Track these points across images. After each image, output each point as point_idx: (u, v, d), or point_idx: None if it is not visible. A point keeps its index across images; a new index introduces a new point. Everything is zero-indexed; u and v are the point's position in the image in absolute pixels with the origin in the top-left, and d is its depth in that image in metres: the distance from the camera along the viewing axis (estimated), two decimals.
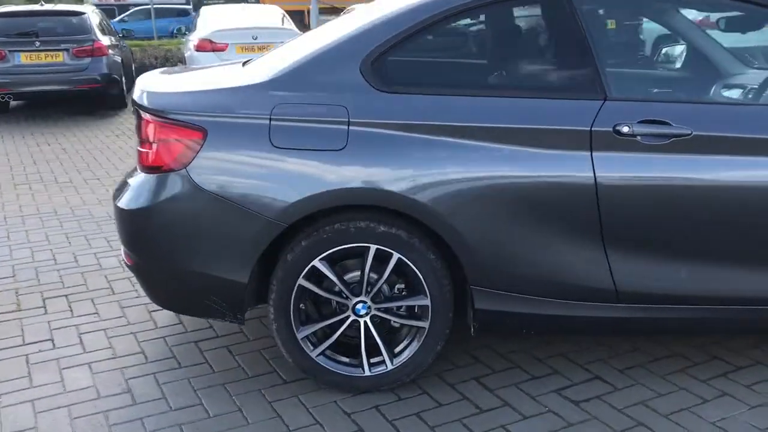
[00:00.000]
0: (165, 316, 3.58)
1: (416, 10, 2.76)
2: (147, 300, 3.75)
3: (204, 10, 12.57)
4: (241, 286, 2.76)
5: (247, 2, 20.40)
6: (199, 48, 10.68)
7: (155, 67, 15.12)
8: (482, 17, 3.00)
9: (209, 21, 11.54)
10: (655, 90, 3.21)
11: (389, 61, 2.76)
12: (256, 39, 10.76)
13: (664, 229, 2.67)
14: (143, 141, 2.82)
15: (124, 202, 2.86)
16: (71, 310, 3.67)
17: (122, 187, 3.03)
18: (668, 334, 3.19)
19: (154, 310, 3.64)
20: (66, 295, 3.87)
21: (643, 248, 2.69)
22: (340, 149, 2.65)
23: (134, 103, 2.87)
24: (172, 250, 2.79)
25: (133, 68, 12.95)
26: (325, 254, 2.72)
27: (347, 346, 2.86)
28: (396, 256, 2.72)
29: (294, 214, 2.67)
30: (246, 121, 2.70)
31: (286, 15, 12.21)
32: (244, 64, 3.51)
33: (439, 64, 3.05)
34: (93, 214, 5.39)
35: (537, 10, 2.82)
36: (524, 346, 3.18)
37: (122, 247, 3.04)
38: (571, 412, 2.72)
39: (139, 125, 2.86)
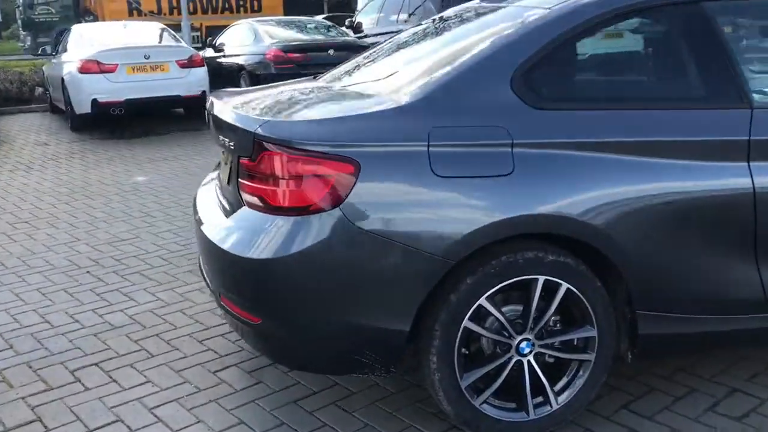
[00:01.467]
0: (235, 374, 3.13)
1: (568, 15, 2.57)
2: (203, 358, 3.27)
3: (76, 28, 11.53)
4: (402, 335, 2.44)
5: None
6: (84, 70, 9.75)
7: (10, 93, 13.94)
8: (634, 24, 2.85)
9: (88, 40, 10.59)
10: None
11: (541, 74, 2.55)
12: (148, 58, 10.01)
13: None
14: (267, 178, 2.42)
15: (251, 251, 2.42)
16: (116, 382, 3.11)
17: (220, 229, 2.60)
18: None
19: (218, 370, 3.17)
20: (95, 364, 3.28)
21: None
22: (508, 174, 2.41)
23: (256, 136, 2.44)
24: (321, 302, 2.41)
25: None
26: (491, 291, 2.46)
27: (499, 390, 2.61)
28: (565, 286, 2.51)
29: (463, 249, 2.39)
30: (402, 150, 2.39)
31: (168, 30, 11.48)
32: (315, 77, 3.22)
33: (591, 76, 2.87)
34: (52, 263, 4.67)
35: (682, 19, 2.72)
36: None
37: (231, 305, 2.60)
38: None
39: (255, 160, 2.45)
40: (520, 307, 2.55)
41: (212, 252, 2.67)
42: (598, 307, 2.56)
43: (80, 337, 3.56)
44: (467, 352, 2.54)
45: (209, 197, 3.18)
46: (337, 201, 2.33)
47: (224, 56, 11.98)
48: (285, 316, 2.46)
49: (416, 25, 3.64)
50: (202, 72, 10.40)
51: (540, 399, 2.61)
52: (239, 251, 2.46)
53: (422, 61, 2.84)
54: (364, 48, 10.94)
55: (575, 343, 2.62)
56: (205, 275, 2.98)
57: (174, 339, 3.51)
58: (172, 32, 11.44)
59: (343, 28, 12.56)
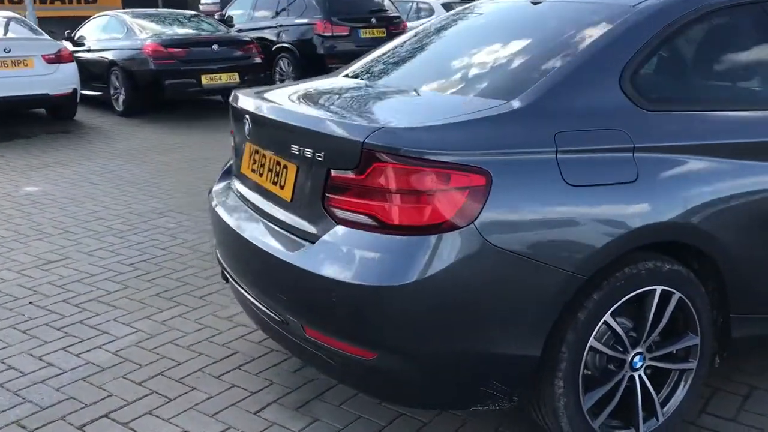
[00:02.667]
0: (281, 412, 2.75)
1: (662, 12, 2.46)
2: (233, 397, 2.86)
3: None
4: (533, 361, 2.23)
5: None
6: None
7: None
8: (729, 20, 2.75)
9: None
10: None
11: (646, 74, 2.43)
12: (8, 52, 8.91)
13: None
14: (381, 193, 2.12)
15: (367, 277, 2.11)
16: None
17: (304, 253, 2.26)
18: None
19: (258, 410, 2.78)
20: (105, 415, 2.76)
21: None
22: (633, 181, 2.27)
23: (366, 146, 2.12)
24: (450, 331, 2.14)
25: None
26: (615, 306, 2.31)
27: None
28: (677, 295, 2.42)
29: (597, 262, 2.23)
30: (531, 157, 2.18)
31: (23, 20, 10.31)
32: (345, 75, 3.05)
33: (692, 75, 2.75)
34: None
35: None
36: None
37: (329, 339, 2.27)
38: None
39: (364, 173, 2.14)
40: (627, 321, 2.42)
41: (290, 278, 2.32)
42: (703, 314, 2.49)
43: (67, 384, 3.01)
44: (588, 374, 2.37)
45: (236, 209, 2.80)
46: (470, 217, 2.07)
47: (88, 51, 10.94)
48: (408, 348, 2.16)
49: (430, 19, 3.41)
50: (71, 68, 9.44)
51: (644, 414, 2.50)
52: (350, 278, 2.13)
53: (498, 58, 2.64)
54: (247, 43, 10.50)
55: (675, 352, 2.54)
56: (256, 302, 2.61)
57: (185, 377, 3.05)
58: (30, 23, 10.28)
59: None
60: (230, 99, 3.07)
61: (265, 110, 2.62)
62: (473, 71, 2.64)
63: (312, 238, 2.33)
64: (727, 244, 2.44)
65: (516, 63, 2.53)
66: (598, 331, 2.30)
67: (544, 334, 2.21)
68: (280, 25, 11.88)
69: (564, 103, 2.29)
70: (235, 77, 10.15)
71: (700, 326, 2.50)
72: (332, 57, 11.22)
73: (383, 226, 2.13)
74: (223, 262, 2.98)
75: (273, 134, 2.55)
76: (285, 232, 2.48)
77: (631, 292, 2.32)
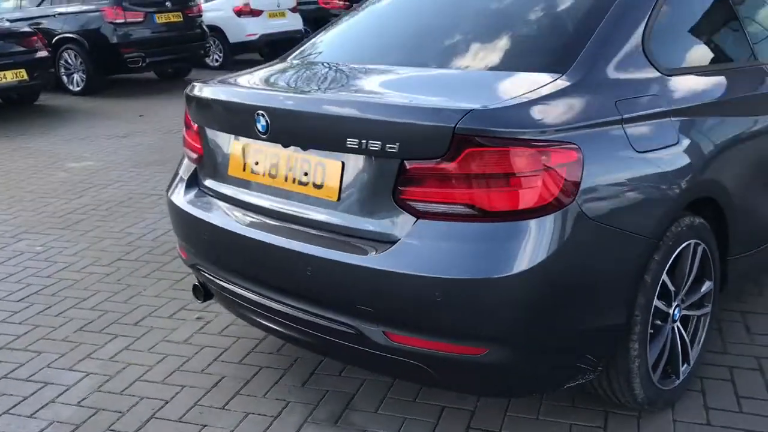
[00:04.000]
0: None
1: None
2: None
3: None
4: (620, 329, 2.26)
5: None
6: None
7: None
8: None
9: None
10: None
11: (660, 38, 2.53)
12: None
13: None
14: (479, 179, 2.00)
15: (476, 269, 1.98)
16: None
17: (386, 254, 2.08)
18: None
19: None
20: None
21: None
22: (676, 143, 2.37)
23: (460, 130, 1.97)
24: (557, 313, 2.09)
25: None
26: (668, 265, 2.41)
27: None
28: (702, 246, 2.58)
29: (663, 225, 2.31)
30: (605, 128, 2.18)
31: None
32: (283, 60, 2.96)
33: (697, 38, 2.84)
34: None
35: None
36: None
37: (426, 342, 2.11)
38: None
39: (456, 159, 2.00)
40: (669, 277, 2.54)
41: (372, 284, 2.11)
42: (715, 260, 2.69)
43: None
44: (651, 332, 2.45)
45: (237, 217, 2.50)
46: (572, 194, 2.04)
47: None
48: (521, 338, 2.07)
49: None
50: None
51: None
52: (458, 273, 1.99)
53: (513, 27, 2.64)
54: (30, 35, 9.28)
55: (699, 299, 2.71)
56: (296, 316, 2.35)
57: (185, 415, 2.68)
58: None
59: None
60: (196, 94, 2.71)
61: (302, 103, 2.35)
62: (499, 44, 2.57)
63: (381, 237, 2.15)
64: (733, 194, 2.65)
65: (542, 31, 2.52)
66: (658, 290, 2.38)
67: (631, 301, 2.25)
68: (59, 14, 10.69)
69: (610, 72, 2.31)
70: (23, 74, 8.98)
71: (714, 272, 2.69)
72: (128, 46, 10.36)
73: (483, 214, 2.01)
74: (216, 278, 2.65)
75: (311, 129, 2.28)
76: (335, 236, 2.25)
77: (677, 249, 2.43)
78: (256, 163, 2.50)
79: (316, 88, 2.52)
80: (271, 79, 2.73)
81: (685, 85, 2.53)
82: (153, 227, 4.80)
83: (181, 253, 2.90)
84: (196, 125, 2.77)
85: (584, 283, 2.12)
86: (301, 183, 2.36)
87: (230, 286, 2.59)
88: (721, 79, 2.73)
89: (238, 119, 2.50)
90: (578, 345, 2.19)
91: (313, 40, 3.19)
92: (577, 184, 2.04)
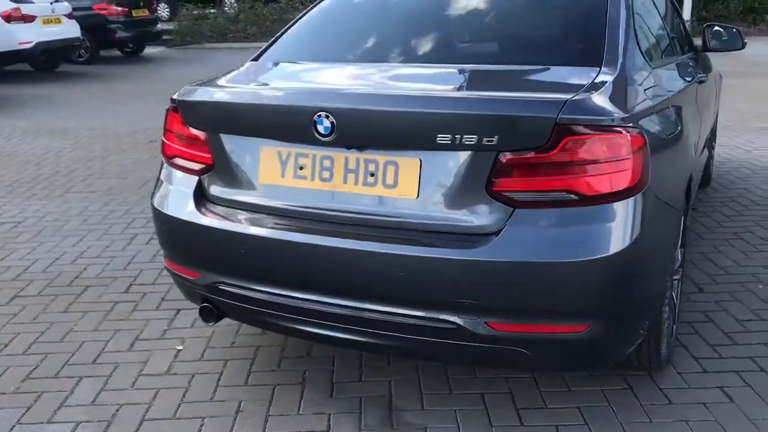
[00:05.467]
0: None
1: None
2: None
3: None
4: (662, 294, 2.53)
5: None
6: None
7: None
8: None
9: None
10: None
11: (639, 36, 2.82)
12: None
13: None
14: (579, 165, 2.12)
15: (582, 252, 2.10)
16: None
17: (495, 244, 2.13)
18: None
19: None
20: None
21: None
22: (680, 129, 2.74)
23: (562, 120, 2.07)
24: (639, 285, 2.27)
25: None
26: (682, 232, 2.76)
27: None
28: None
29: (685, 198, 2.64)
30: (652, 115, 2.43)
31: None
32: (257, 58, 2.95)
33: (653, 37, 3.11)
34: None
35: None
36: None
37: (528, 326, 2.19)
38: None
39: (555, 148, 2.11)
40: None
41: (477, 276, 2.14)
42: (686, 227, 3.07)
43: None
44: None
45: (287, 225, 2.39)
46: (648, 175, 2.23)
47: None
48: (618, 312, 2.22)
49: None
50: None
51: None
52: (567, 257, 2.10)
53: (519, 24, 2.84)
54: None
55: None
56: (372, 319, 2.30)
57: None
58: None
59: None
60: (202, 98, 2.55)
61: (380, 101, 2.30)
62: (530, 41, 2.76)
63: (474, 230, 2.19)
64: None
65: (564, 29, 2.72)
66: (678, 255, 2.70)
67: (669, 268, 2.51)
68: None
69: (630, 66, 2.55)
70: None
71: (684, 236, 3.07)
72: None
73: (582, 199, 2.13)
74: (251, 293, 2.47)
75: (386, 128, 2.23)
76: (418, 233, 2.23)
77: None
78: (301, 168, 2.39)
79: (382, 86, 2.47)
80: (310, 78, 2.62)
81: (664, 77, 2.86)
82: (32, 257, 4.24)
83: (187, 273, 2.65)
84: (200, 133, 2.56)
85: (653, 255, 2.33)
86: (367, 184, 2.30)
87: (273, 299, 2.44)
88: (675, 72, 3.11)
89: (283, 122, 2.37)
90: (645, 312, 2.40)
91: (292, 39, 3.08)
92: (647, 166, 2.24)
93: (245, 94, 2.52)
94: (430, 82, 2.61)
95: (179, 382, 2.88)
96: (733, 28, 4.11)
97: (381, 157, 2.27)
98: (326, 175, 2.35)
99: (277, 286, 2.44)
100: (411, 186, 2.24)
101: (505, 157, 2.14)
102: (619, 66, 2.47)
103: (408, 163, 2.24)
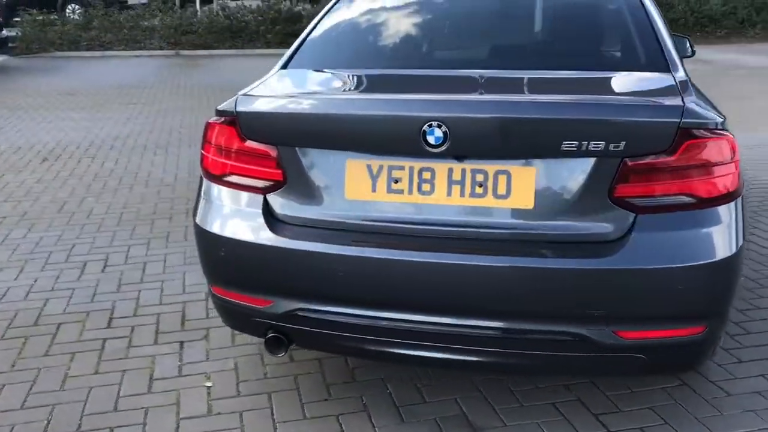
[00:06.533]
0: None
1: None
2: None
3: None
4: None
5: None
6: None
7: None
8: None
9: None
10: None
11: None
12: None
13: None
14: (697, 168, 2.14)
15: (706, 254, 2.13)
16: None
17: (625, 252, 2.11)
18: None
19: None
20: None
21: None
22: None
23: (685, 124, 2.08)
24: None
25: None
26: None
27: None
28: None
29: None
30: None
31: None
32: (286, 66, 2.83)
33: None
34: None
35: None
36: None
37: (648, 332, 2.19)
38: None
39: (676, 152, 2.12)
40: None
41: (609, 285, 2.12)
42: None
43: None
44: None
45: (382, 242, 2.25)
46: (741, 176, 2.30)
47: None
48: (726, 310, 2.26)
49: None
50: None
51: None
52: (699, 259, 2.12)
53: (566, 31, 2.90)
54: None
55: None
56: (485, 337, 2.20)
57: None
58: None
59: None
60: (275, 110, 2.36)
61: (506, 109, 2.22)
62: (595, 47, 2.77)
63: (595, 238, 2.16)
64: None
65: (608, 34, 2.74)
66: None
67: None
68: None
69: (686, 69, 2.63)
70: None
71: None
72: None
73: (699, 202, 2.16)
74: (337, 317, 2.30)
75: (503, 137, 2.14)
76: (541, 243, 2.17)
77: None
78: (396, 182, 2.24)
79: (491, 93, 2.38)
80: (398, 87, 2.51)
81: None
82: None
83: (253, 302, 2.41)
84: (268, 147, 2.34)
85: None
86: (475, 195, 2.20)
87: (367, 322, 2.28)
88: None
89: (383, 133, 2.21)
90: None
91: (326, 44, 2.90)
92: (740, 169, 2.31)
93: (328, 104, 2.34)
94: (529, 89, 2.55)
95: (229, 422, 2.61)
96: (684, 36, 4.39)
97: (490, 167, 2.18)
98: (426, 188, 2.22)
99: (372, 308, 2.28)
100: (527, 196, 2.17)
101: (629, 162, 2.12)
102: (681, 70, 2.54)
103: (522, 171, 2.16)
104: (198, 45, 16.45)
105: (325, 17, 3.09)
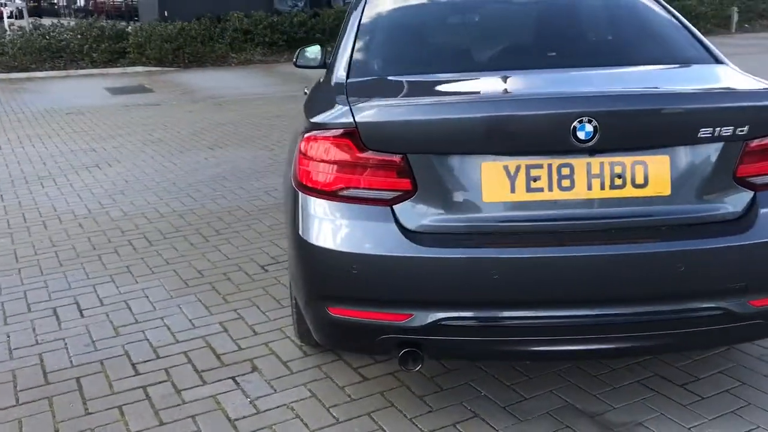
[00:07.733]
0: None
1: None
2: None
3: None
4: None
5: None
6: None
7: None
8: None
9: None
10: None
11: None
12: None
13: None
14: None
15: None
16: None
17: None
18: None
19: None
20: None
21: None
22: None
23: None
24: None
25: None
26: None
27: None
28: None
29: None
30: None
31: None
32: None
33: None
34: None
35: None
36: None
37: None
38: None
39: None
40: None
41: (747, 259, 2.27)
42: None
43: None
44: None
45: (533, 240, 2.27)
46: None
47: None
48: None
49: None
50: None
51: None
52: None
53: (617, 25, 3.10)
54: None
55: None
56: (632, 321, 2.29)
57: None
58: None
59: None
60: (408, 118, 2.28)
61: (651, 101, 2.33)
62: (632, 42, 2.89)
63: (723, 217, 2.31)
64: None
65: (648, 30, 2.94)
66: None
67: None
68: None
69: None
70: None
71: None
72: None
73: None
74: (490, 323, 2.27)
75: (645, 128, 2.22)
76: (679, 227, 2.29)
77: None
78: (534, 180, 2.26)
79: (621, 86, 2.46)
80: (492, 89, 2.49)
81: None
82: None
83: (389, 318, 2.30)
84: (394, 156, 2.26)
85: None
86: (615, 187, 2.26)
87: (515, 323, 2.28)
88: None
89: (528, 132, 2.22)
90: None
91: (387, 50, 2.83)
92: None
93: (460, 109, 2.29)
94: (641, 83, 2.67)
95: None
96: None
97: (627, 159, 2.26)
98: (566, 183, 2.26)
99: (520, 309, 2.27)
100: (663, 183, 2.28)
101: (751, 144, 2.30)
102: (724, 59, 2.79)
103: (657, 160, 2.27)
104: (13, 67, 15.01)
105: (361, 26, 3.01)
